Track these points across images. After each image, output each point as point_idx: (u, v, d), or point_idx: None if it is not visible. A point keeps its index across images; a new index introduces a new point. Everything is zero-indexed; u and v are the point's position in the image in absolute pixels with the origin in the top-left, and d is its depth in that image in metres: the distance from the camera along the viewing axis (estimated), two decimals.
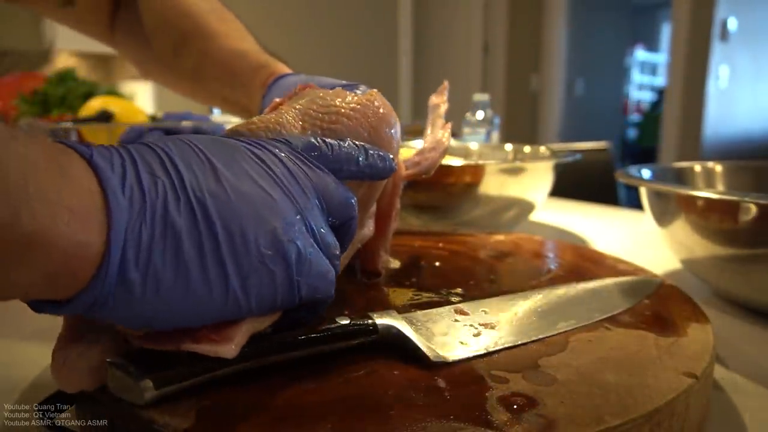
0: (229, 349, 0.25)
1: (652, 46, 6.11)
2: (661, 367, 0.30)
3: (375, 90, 0.36)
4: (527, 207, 0.73)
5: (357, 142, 0.32)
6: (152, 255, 0.22)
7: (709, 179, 0.67)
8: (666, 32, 5.54)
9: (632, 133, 5.71)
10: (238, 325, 0.26)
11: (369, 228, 0.42)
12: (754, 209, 0.43)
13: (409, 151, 0.49)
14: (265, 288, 0.25)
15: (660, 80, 5.82)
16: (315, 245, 0.28)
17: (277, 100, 0.36)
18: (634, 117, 5.88)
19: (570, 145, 1.69)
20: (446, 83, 0.51)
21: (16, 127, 0.20)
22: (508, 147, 0.92)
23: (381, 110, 0.34)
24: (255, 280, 0.25)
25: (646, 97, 6.13)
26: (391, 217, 0.44)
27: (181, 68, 0.55)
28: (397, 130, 0.36)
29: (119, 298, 0.22)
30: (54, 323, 0.39)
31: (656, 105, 5.33)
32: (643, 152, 4.96)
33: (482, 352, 0.31)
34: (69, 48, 3.39)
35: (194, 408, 0.25)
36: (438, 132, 0.48)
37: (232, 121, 1.05)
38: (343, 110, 0.33)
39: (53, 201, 0.20)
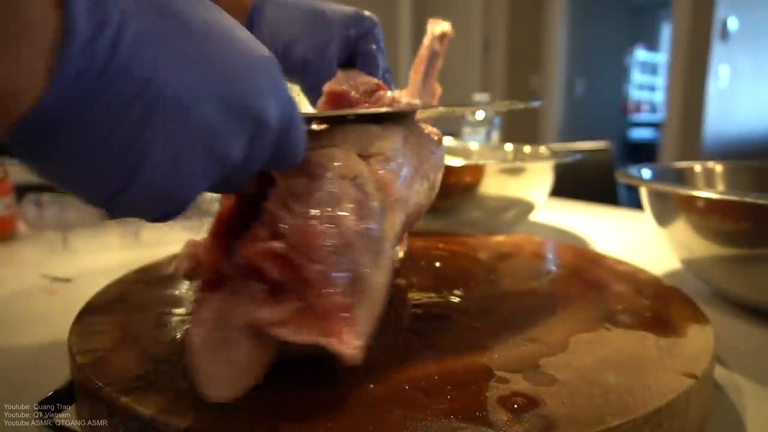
0: (353, 353, 0.25)
1: (652, 45, 6.11)
2: (662, 367, 0.30)
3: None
4: (527, 207, 0.72)
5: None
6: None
7: (710, 179, 0.67)
8: (666, 32, 5.53)
9: (643, 133, 5.67)
10: (363, 331, 0.26)
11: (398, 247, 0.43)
12: (754, 209, 0.43)
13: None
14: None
15: (660, 80, 5.82)
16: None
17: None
18: (644, 116, 5.86)
19: (570, 145, 1.69)
20: (451, 32, 0.47)
21: None
22: (508, 147, 0.92)
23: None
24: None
25: (647, 96, 6.12)
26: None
27: None
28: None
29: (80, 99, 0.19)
30: (55, 326, 0.39)
31: None
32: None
33: None
34: None
35: (194, 407, 0.25)
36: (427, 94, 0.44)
37: None
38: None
39: None
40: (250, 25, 0.44)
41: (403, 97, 0.38)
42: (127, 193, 0.21)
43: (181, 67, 0.21)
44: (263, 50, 0.25)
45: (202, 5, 0.23)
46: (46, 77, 0.18)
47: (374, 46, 0.42)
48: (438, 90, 0.46)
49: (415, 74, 0.45)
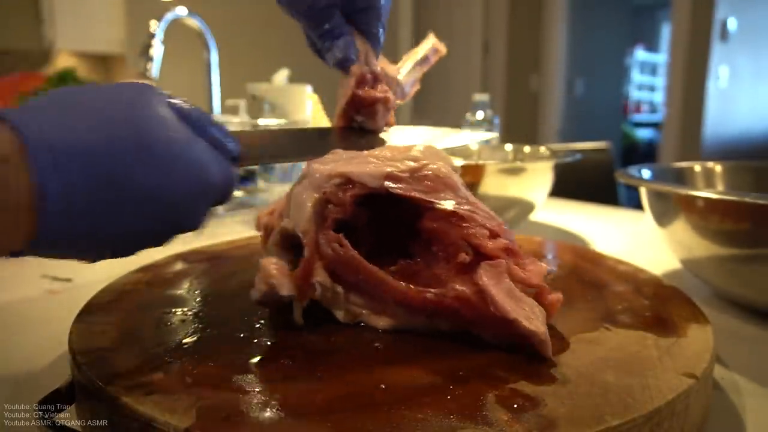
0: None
1: (652, 46, 6.11)
2: (661, 367, 0.30)
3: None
4: (527, 207, 0.72)
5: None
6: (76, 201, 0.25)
7: (709, 179, 0.67)
8: (666, 32, 5.54)
9: (643, 133, 5.69)
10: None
11: None
12: (754, 209, 0.43)
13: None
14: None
15: (660, 80, 5.83)
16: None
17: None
18: (644, 116, 5.87)
19: (570, 145, 1.69)
20: (444, 53, 0.51)
21: None
22: (508, 147, 0.92)
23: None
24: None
25: (647, 96, 6.14)
26: None
27: None
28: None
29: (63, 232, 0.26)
30: (55, 326, 0.39)
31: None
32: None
33: None
34: (69, 48, 3.38)
35: (194, 407, 0.25)
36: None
37: (232, 121, 1.05)
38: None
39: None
40: None
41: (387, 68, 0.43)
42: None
43: (116, 220, 0.27)
44: (203, 178, 0.29)
45: (140, 159, 0.27)
46: (28, 237, 0.25)
47: (374, 26, 0.43)
48: (417, 87, 0.49)
49: (406, 60, 0.49)
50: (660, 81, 5.83)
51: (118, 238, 0.28)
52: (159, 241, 0.30)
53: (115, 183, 0.26)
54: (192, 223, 0.30)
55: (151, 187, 0.27)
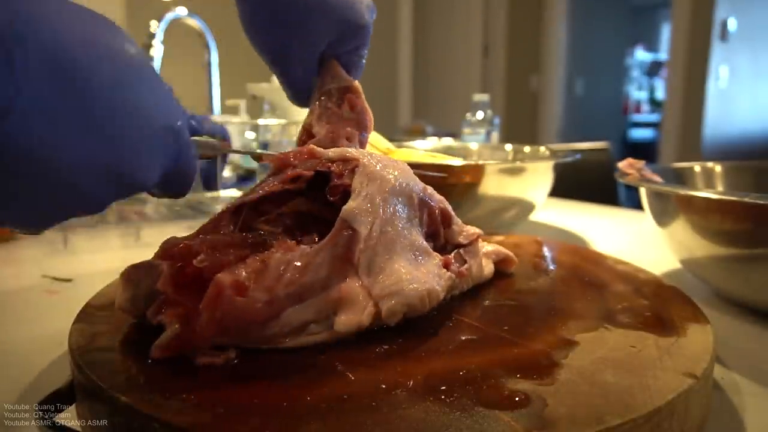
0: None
1: (652, 46, 6.12)
2: (661, 367, 0.30)
3: None
4: (527, 207, 0.73)
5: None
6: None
7: (709, 179, 0.67)
8: (666, 32, 5.54)
9: (643, 133, 5.68)
10: None
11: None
12: (754, 209, 0.43)
13: (408, 152, 0.48)
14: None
15: (660, 80, 5.83)
16: None
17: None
18: (644, 116, 5.87)
19: (570, 145, 1.69)
20: None
21: None
22: (508, 147, 0.92)
23: None
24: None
25: (646, 96, 6.14)
26: None
27: None
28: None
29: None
30: (55, 326, 0.39)
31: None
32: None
33: None
34: None
35: (194, 407, 0.25)
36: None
37: (232, 121, 1.05)
38: None
39: None
40: None
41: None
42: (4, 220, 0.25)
43: (67, 141, 0.22)
44: (166, 118, 0.26)
45: (119, 69, 0.24)
46: None
47: (361, 57, 0.42)
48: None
49: None
50: (660, 81, 5.83)
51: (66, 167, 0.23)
52: (99, 196, 0.25)
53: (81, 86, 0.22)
54: (142, 169, 0.26)
55: (111, 101, 0.23)
